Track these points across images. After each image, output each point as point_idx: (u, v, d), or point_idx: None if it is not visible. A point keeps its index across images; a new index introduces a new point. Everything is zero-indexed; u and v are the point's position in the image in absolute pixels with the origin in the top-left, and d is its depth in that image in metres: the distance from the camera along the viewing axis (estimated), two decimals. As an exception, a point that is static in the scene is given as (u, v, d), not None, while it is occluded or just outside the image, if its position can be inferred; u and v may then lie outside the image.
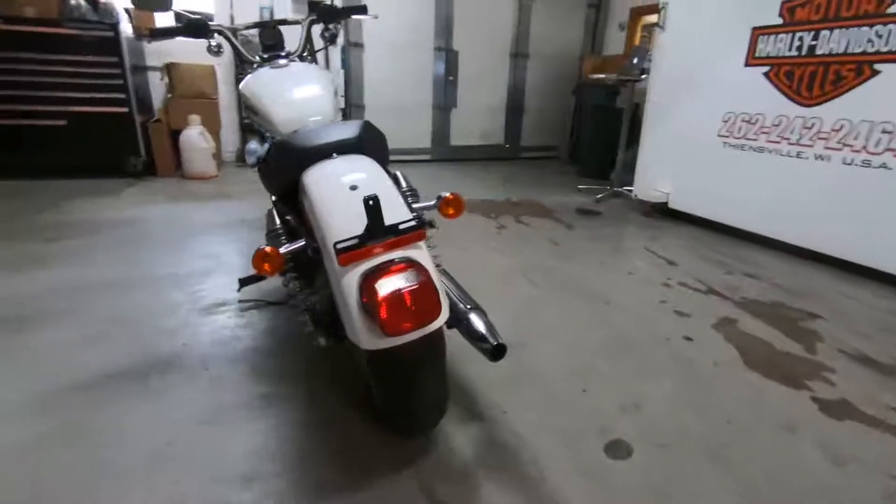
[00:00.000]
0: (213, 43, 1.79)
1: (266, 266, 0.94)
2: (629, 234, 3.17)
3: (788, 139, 2.72)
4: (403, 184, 1.35)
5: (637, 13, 5.07)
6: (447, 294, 1.27)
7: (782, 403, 1.48)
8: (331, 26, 1.93)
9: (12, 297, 1.90)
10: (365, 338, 0.85)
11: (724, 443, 1.30)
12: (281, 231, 1.20)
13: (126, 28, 3.64)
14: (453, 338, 1.21)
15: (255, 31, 1.85)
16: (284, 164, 1.11)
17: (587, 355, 1.69)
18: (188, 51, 3.28)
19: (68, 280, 2.07)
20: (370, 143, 1.18)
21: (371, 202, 0.84)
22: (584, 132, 5.12)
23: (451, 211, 1.09)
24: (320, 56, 4.50)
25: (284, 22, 1.95)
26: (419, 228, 0.90)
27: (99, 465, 1.15)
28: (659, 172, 3.47)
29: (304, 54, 1.93)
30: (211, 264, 2.29)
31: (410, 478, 1.14)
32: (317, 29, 1.98)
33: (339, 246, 0.85)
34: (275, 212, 1.23)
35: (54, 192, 3.32)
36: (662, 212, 3.50)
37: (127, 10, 3.71)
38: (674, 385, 1.54)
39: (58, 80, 3.41)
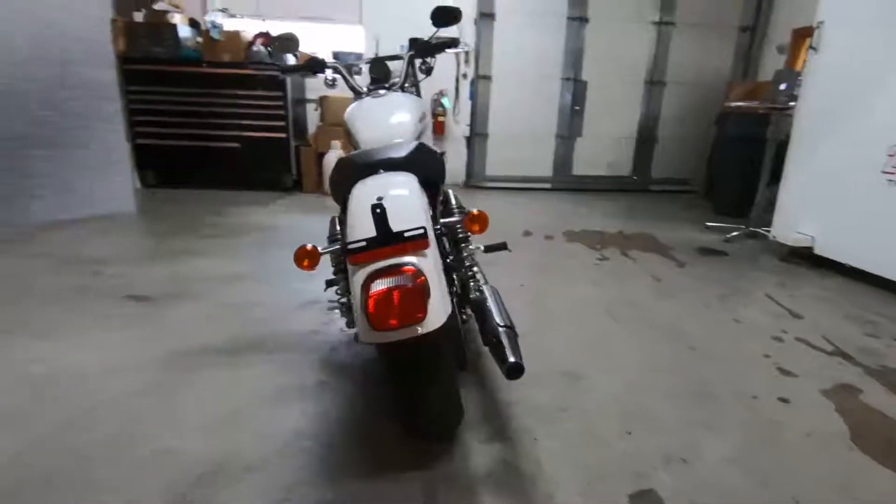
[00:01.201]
0: (329, 77, 2.09)
1: (306, 262, 1.09)
2: (753, 278, 2.79)
3: (978, 178, 2.17)
4: (453, 202, 1.43)
5: (800, 35, 4.49)
6: (489, 313, 1.31)
7: (888, 494, 1.19)
8: (428, 60, 2.12)
9: (165, 279, 2.40)
10: (362, 331, 0.95)
11: (782, 522, 1.10)
12: (339, 237, 1.36)
13: (292, 68, 4.34)
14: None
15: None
16: (342, 178, 1.27)
17: (647, 398, 1.56)
18: (339, 86, 3.80)
19: (209, 269, 2.54)
20: (419, 162, 1.29)
21: (378, 210, 0.94)
22: (723, 165, 4.64)
23: (476, 227, 1.14)
24: (449, 87, 4.85)
25: (391, 58, 2.19)
26: (423, 238, 0.97)
27: (177, 416, 1.41)
28: (803, 212, 3.01)
29: (406, 85, 2.14)
30: (318, 267, 2.61)
31: (416, 480, 1.19)
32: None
33: (349, 247, 0.96)
34: (337, 219, 1.41)
35: (222, 201, 4.07)
36: (805, 257, 3.01)
37: (294, 54, 4.44)
38: (741, 446, 1.34)
39: (237, 111, 4.22)
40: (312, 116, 4.75)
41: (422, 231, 0.96)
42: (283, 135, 4.33)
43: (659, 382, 1.65)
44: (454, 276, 1.35)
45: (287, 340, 1.85)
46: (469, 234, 1.37)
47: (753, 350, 1.90)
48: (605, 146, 5.12)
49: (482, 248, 2.01)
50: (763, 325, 2.14)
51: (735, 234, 3.60)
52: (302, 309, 2.12)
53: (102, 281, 2.35)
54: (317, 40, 4.77)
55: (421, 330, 0.94)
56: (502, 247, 2.06)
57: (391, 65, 2.17)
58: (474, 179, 5.15)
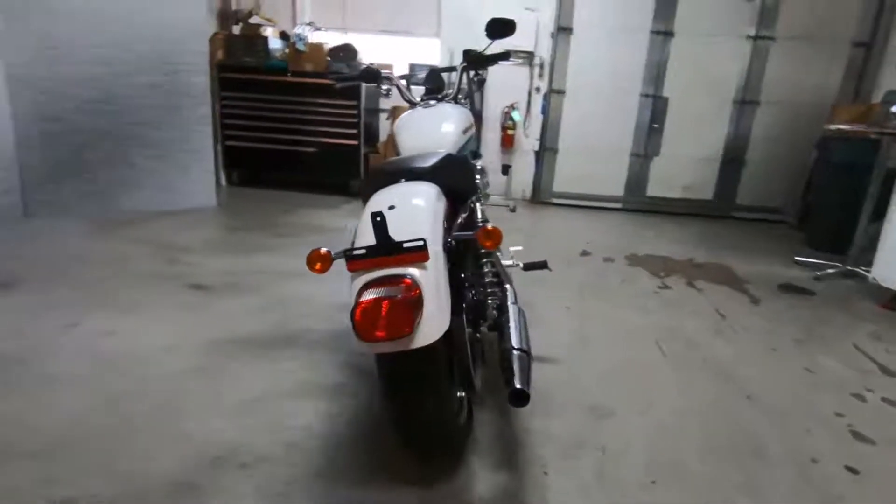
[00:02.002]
0: (384, 87, 2.14)
1: (318, 266, 1.11)
2: (841, 324, 2.45)
3: None
4: (479, 216, 1.39)
5: (928, 51, 3.93)
6: (506, 334, 1.26)
7: None
8: (480, 72, 2.11)
9: (231, 271, 2.56)
10: (354, 340, 0.94)
11: None
12: None
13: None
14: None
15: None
16: (368, 186, 1.29)
17: (682, 447, 1.41)
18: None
19: (269, 265, 2.68)
20: (444, 174, 1.28)
21: (378, 218, 0.93)
22: (821, 193, 4.16)
23: (489, 243, 1.09)
24: (520, 100, 4.80)
25: (446, 69, 2.21)
26: (422, 250, 0.95)
27: (210, 399, 1.50)
28: (913, 253, 2.61)
29: (459, 97, 2.15)
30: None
31: (413, 495, 1.17)
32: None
33: (349, 253, 0.96)
34: None
35: (294, 202, 4.31)
36: (911, 306, 2.61)
37: (370, 65, 4.63)
38: (785, 517, 1.17)
39: (315, 118, 4.46)
40: (384, 125, 4.91)
41: (421, 243, 0.94)
42: (354, 142, 4.51)
43: (699, 430, 1.49)
44: (470, 292, 1.31)
45: (320, 339, 1.90)
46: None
47: (824, 406, 1.67)
48: (684, 167, 4.79)
49: (521, 265, 1.95)
50: (843, 378, 1.87)
51: (829, 271, 3.20)
52: (342, 310, 2.16)
53: (177, 268, 2.56)
54: (396, 52, 4.94)
55: (411, 344, 0.92)
56: (542, 265, 1.98)
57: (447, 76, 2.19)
58: (541, 195, 5.03)
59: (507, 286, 1.64)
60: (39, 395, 1.47)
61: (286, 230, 3.43)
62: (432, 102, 2.03)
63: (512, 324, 1.34)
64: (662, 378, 1.80)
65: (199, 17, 3.55)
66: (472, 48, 4.42)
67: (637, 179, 4.92)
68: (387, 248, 0.95)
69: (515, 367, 1.16)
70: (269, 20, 4.63)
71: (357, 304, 0.87)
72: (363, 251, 0.96)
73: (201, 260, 2.71)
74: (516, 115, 4.88)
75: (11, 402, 1.43)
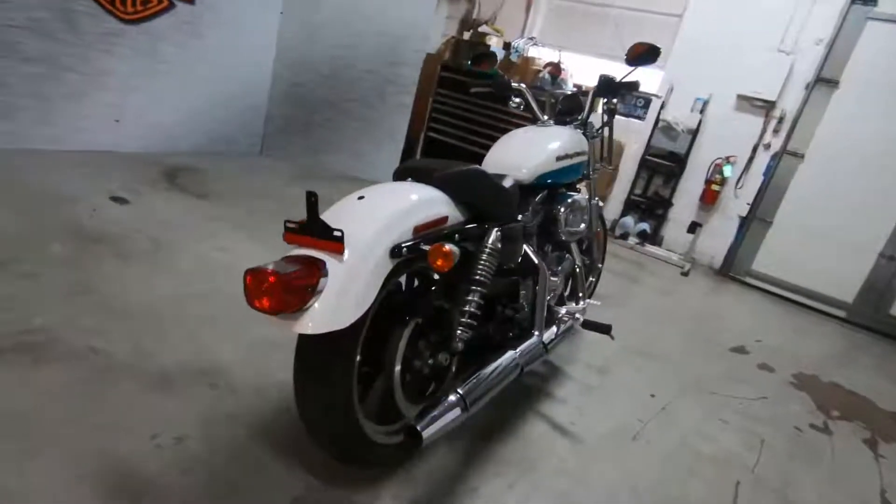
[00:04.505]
0: (516, 101, 2.09)
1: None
2: None
3: None
4: (488, 242, 1.23)
5: None
6: (475, 378, 1.15)
7: None
8: (614, 101, 1.90)
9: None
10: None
11: None
12: None
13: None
14: None
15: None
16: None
17: None
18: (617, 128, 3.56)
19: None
20: (455, 185, 1.20)
21: (312, 199, 0.93)
22: None
23: (438, 262, 0.98)
24: (741, 155, 4.04)
25: (583, 93, 2.04)
26: (339, 241, 0.91)
27: (245, 325, 1.71)
28: None
29: (590, 122, 1.98)
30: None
31: (303, 482, 1.15)
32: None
33: (286, 224, 0.98)
34: None
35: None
36: None
37: (577, 86, 4.51)
38: None
39: (504, 125, 4.56)
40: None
41: (339, 234, 0.91)
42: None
43: None
44: (442, 313, 1.22)
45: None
46: (488, 273, 1.17)
47: None
48: (965, 294, 3.38)
49: (581, 319, 1.70)
50: None
51: None
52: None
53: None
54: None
55: (294, 326, 0.90)
56: (604, 330, 1.70)
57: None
58: (734, 269, 4.19)
59: (535, 332, 1.45)
60: (150, 274, 1.90)
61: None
62: (550, 122, 1.92)
63: (487, 370, 1.20)
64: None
65: (425, 20, 3.98)
66: (706, 87, 3.89)
67: (881, 289, 3.69)
68: (310, 230, 0.95)
69: (439, 406, 1.04)
70: (496, 30, 4.90)
71: (255, 268, 0.89)
72: (296, 225, 0.97)
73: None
74: (728, 170, 4.14)
75: (134, 272, 1.89)
